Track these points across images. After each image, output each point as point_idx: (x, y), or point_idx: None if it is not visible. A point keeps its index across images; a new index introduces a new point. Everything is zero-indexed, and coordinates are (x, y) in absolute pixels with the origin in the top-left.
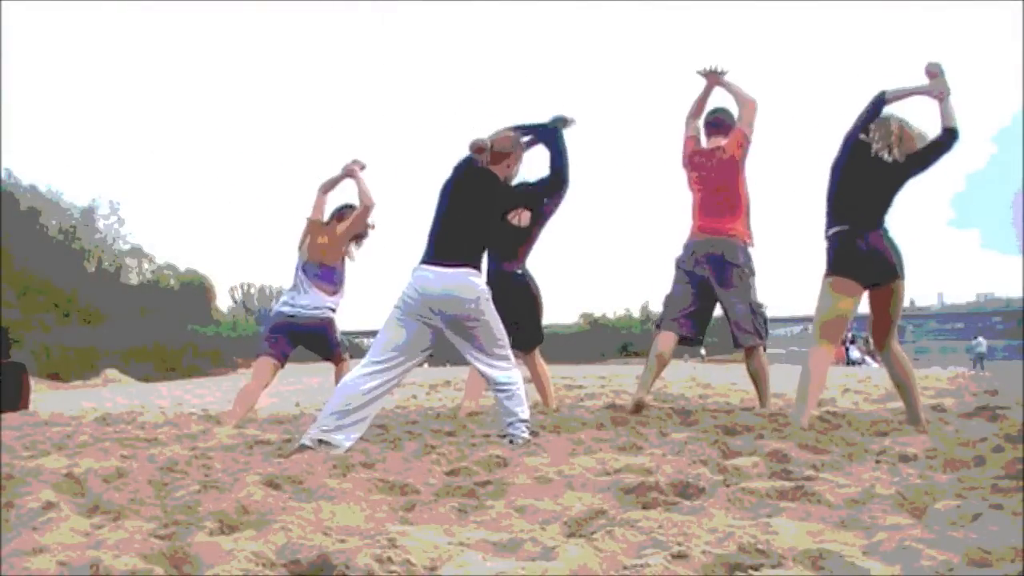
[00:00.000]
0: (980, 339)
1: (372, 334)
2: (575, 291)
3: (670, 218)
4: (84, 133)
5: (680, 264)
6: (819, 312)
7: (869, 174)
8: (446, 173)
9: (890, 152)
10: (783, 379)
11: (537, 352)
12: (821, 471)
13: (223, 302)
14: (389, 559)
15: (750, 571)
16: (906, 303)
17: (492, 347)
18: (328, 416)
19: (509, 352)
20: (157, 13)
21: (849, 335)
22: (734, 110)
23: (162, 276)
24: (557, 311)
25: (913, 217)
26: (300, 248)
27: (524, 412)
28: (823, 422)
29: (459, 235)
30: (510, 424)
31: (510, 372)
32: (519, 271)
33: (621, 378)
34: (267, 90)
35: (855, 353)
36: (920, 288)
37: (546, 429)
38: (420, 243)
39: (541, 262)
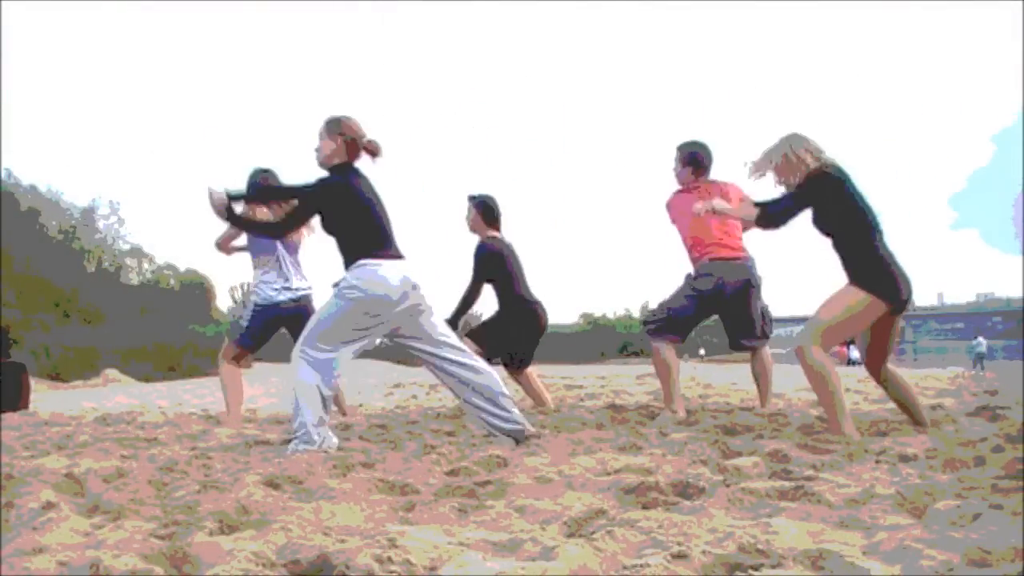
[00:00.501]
0: (980, 339)
1: None
2: (575, 291)
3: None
4: (84, 133)
5: (697, 286)
6: (834, 313)
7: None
8: (446, 173)
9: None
10: (783, 379)
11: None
12: (821, 471)
13: (223, 302)
14: (389, 559)
15: (750, 571)
16: None
17: (443, 334)
18: (314, 426)
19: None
20: (157, 13)
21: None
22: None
23: (162, 276)
24: (557, 311)
25: (913, 217)
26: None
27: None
28: (823, 422)
29: (391, 228)
30: (514, 418)
31: (477, 363)
32: (534, 299)
33: (621, 378)
34: (267, 90)
35: (855, 353)
36: (920, 288)
37: (546, 429)
38: (416, 242)
39: (542, 262)
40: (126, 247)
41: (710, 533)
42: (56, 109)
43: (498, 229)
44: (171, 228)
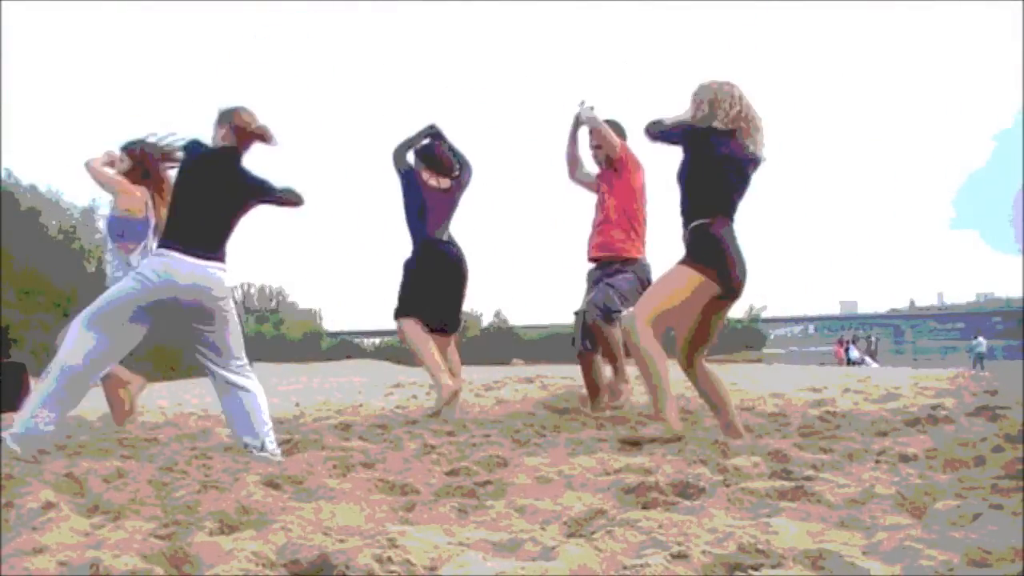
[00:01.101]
0: (980, 339)
1: (367, 334)
2: (575, 291)
3: (669, 218)
4: (84, 133)
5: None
6: (661, 295)
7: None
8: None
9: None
10: (783, 379)
11: (453, 341)
12: (821, 471)
13: None
14: (389, 559)
15: (750, 571)
16: (906, 303)
17: (239, 349)
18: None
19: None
20: (157, 13)
21: (850, 335)
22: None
23: None
24: (557, 311)
25: (913, 217)
26: (147, 208)
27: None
28: (823, 422)
29: (217, 225)
30: (267, 442)
31: (255, 381)
32: (451, 240)
33: None
34: (266, 89)
35: (855, 353)
36: (920, 288)
37: (546, 429)
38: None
39: (542, 262)
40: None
41: (710, 533)
42: (56, 109)
43: (437, 172)
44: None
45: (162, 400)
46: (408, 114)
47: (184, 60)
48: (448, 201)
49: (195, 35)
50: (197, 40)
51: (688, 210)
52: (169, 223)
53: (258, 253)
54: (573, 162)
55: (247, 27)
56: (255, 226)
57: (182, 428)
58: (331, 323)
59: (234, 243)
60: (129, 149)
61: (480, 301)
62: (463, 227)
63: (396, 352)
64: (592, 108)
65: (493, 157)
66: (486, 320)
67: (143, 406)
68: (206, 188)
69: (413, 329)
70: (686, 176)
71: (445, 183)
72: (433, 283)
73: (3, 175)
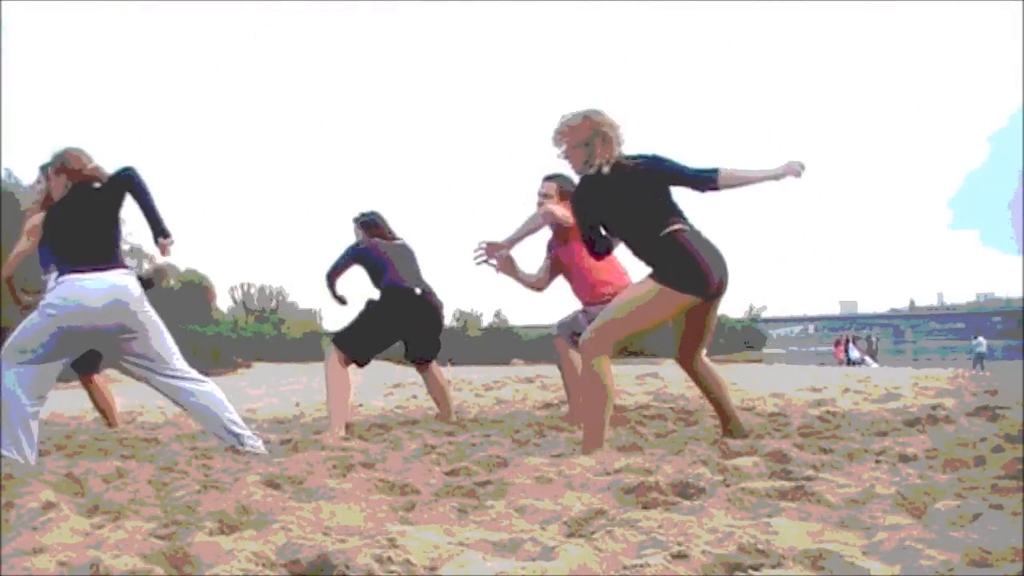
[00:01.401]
0: (980, 339)
1: None
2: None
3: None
4: (84, 133)
5: None
6: (614, 310)
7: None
8: (445, 173)
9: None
10: (783, 379)
11: (435, 361)
12: (821, 471)
13: (223, 302)
14: (389, 559)
15: (750, 571)
16: (906, 303)
17: (173, 350)
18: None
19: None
20: (157, 13)
21: (850, 335)
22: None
23: None
24: (557, 311)
25: (913, 217)
26: None
27: (239, 419)
28: (823, 422)
29: (101, 236)
30: (245, 437)
31: (206, 384)
32: (423, 287)
33: (621, 378)
34: (266, 90)
35: (855, 353)
36: (920, 288)
37: (546, 429)
38: (421, 242)
39: (539, 263)
40: (126, 247)
41: (710, 533)
42: (56, 109)
43: (382, 236)
44: (171, 228)
45: (162, 400)
46: (408, 114)
47: (184, 60)
48: (405, 253)
49: (195, 35)
50: (197, 40)
51: (637, 239)
52: (57, 256)
53: (258, 253)
54: (531, 286)
55: (247, 27)
56: (255, 226)
57: (182, 428)
58: (331, 323)
59: (233, 243)
60: (51, 169)
61: (480, 301)
62: (464, 227)
63: (397, 352)
64: (481, 247)
65: (493, 156)
66: (486, 320)
67: (143, 406)
68: (73, 219)
69: (335, 364)
70: (620, 224)
71: (398, 240)
72: (384, 326)
73: (3, 175)
